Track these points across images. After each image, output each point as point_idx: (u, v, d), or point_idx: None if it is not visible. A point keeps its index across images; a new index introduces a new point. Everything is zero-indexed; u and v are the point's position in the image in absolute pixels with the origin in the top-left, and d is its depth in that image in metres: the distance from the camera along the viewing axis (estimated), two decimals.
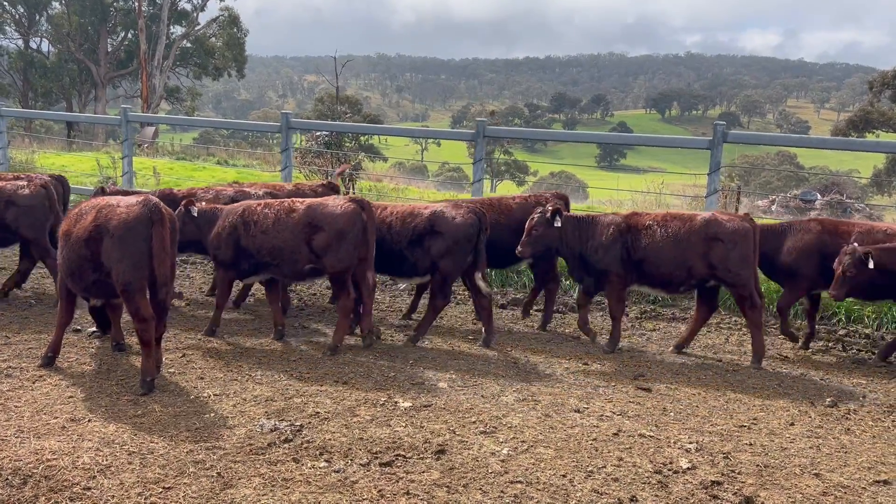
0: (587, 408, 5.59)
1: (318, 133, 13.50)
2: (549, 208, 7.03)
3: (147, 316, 5.52)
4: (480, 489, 4.25)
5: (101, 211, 5.65)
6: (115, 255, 5.50)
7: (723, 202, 11.37)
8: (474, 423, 5.20)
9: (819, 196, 40.79)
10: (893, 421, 5.58)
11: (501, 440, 4.93)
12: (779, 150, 75.19)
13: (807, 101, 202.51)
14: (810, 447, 5.05)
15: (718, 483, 4.42)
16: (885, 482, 4.55)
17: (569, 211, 7.60)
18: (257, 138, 58.37)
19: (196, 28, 50.12)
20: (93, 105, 48.71)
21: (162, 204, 5.68)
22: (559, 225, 6.97)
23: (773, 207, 36.64)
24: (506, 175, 71.70)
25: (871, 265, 6.30)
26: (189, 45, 50.58)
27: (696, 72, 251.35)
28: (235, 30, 51.03)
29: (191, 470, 4.32)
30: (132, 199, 5.71)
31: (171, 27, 48.48)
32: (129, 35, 50.28)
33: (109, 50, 49.72)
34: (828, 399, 5.93)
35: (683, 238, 6.78)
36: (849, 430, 5.38)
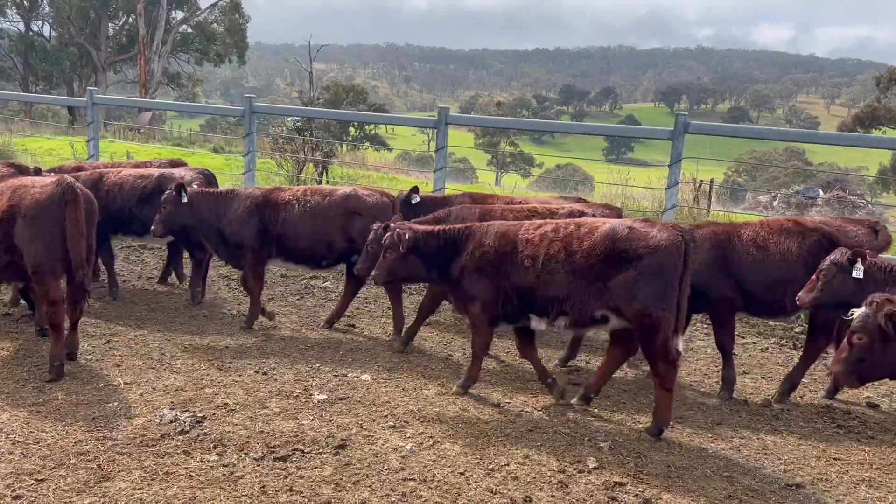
0: (509, 403, 5.42)
1: (289, 118, 13.30)
2: (173, 187, 6.80)
3: (56, 298, 5.38)
4: (370, 486, 4.09)
5: (16, 192, 5.50)
6: (26, 237, 5.35)
7: (694, 195, 11.13)
8: (386, 417, 5.04)
9: (821, 192, 40.41)
10: (826, 422, 5.38)
11: (409, 435, 4.77)
12: (787, 145, 74.52)
13: (817, 97, 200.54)
14: (731, 448, 4.87)
15: (622, 484, 4.25)
16: (798, 486, 4.36)
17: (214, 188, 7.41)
18: (262, 126, 58.19)
19: (197, 13, 49.90)
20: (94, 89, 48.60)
21: (77, 184, 5.52)
22: (186, 201, 6.73)
23: (775, 203, 36.34)
24: (511, 167, 71.38)
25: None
26: (190, 30, 50.37)
27: (706, 65, 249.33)
28: (237, 16, 50.74)
29: (71, 461, 4.18)
30: (46, 180, 5.56)
31: (173, 12, 48.29)
32: (130, 19, 50.07)
33: (110, 34, 49.58)
34: (761, 398, 5.74)
35: (322, 213, 6.65)
36: (776, 430, 5.18)
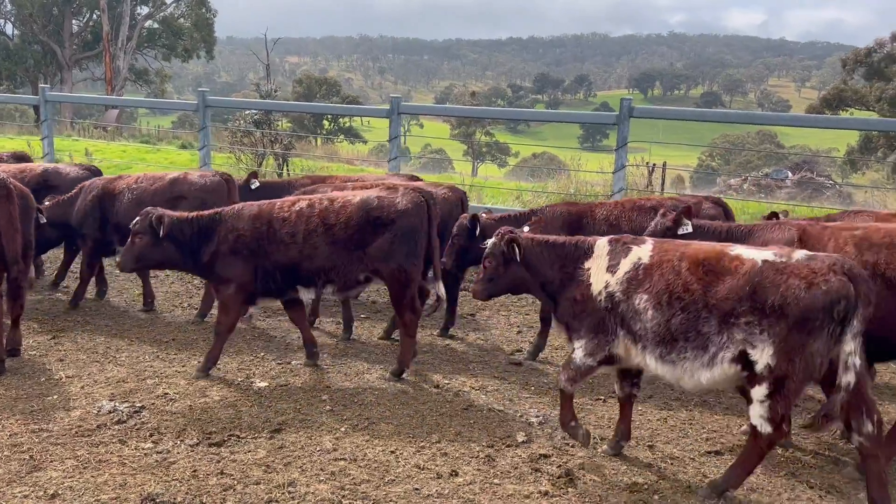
0: (448, 384, 5.54)
1: (247, 111, 13.28)
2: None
3: None
4: (300, 467, 4.19)
5: None
6: None
7: (647, 179, 11.30)
8: (324, 401, 5.14)
9: (790, 174, 40.95)
10: None
11: (345, 418, 4.88)
12: (759, 129, 75.31)
13: (788, 80, 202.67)
14: (658, 419, 5.03)
15: (546, 456, 4.39)
16: (717, 453, 4.53)
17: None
18: (226, 119, 57.70)
19: (162, 8, 49.29)
20: (59, 88, 47.89)
21: (10, 180, 5.54)
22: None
23: (745, 186, 36.83)
24: (487, 157, 71.40)
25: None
26: (156, 25, 49.75)
27: (678, 51, 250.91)
28: (204, 10, 50.22)
29: (4, 453, 4.23)
30: None
31: (138, 7, 47.67)
32: (94, 16, 49.34)
33: (74, 31, 48.83)
34: None
35: (149, 199, 6.69)
36: (704, 402, 5.35)
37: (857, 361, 3.52)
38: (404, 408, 5.06)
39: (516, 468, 4.26)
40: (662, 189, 11.38)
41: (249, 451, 4.37)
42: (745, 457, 3.89)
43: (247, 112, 13.20)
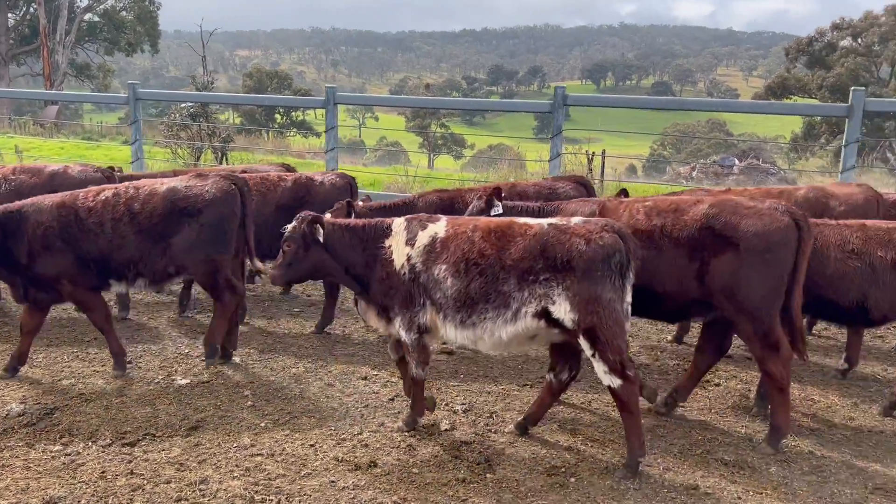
0: (376, 375, 5.49)
1: (182, 104, 12.96)
2: None
3: None
4: (215, 464, 4.10)
5: None
6: None
7: (588, 168, 11.39)
8: (246, 397, 5.04)
9: (737, 161, 41.88)
10: (680, 375, 5.64)
11: (266, 413, 4.79)
12: (709, 117, 76.69)
13: (736, 70, 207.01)
14: (581, 403, 5.07)
15: (468, 443, 4.38)
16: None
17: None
18: (163, 113, 56.31)
19: (103, 1, 47.84)
20: None
21: None
22: None
23: (694, 174, 37.51)
24: (443, 149, 71.28)
25: None
26: (97, 18, 48.29)
27: (630, 42, 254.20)
28: (147, 2, 48.95)
29: None
30: None
31: (77, 0, 46.21)
32: (31, 9, 47.68)
33: (11, 25, 47.10)
34: None
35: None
36: None
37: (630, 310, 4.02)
38: (329, 401, 5.00)
39: (436, 456, 4.24)
40: (602, 177, 11.49)
41: (163, 450, 4.25)
42: (626, 425, 4.07)
43: (182, 105, 12.87)
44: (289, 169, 8.12)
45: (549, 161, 8.85)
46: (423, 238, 4.29)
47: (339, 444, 4.37)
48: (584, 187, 6.48)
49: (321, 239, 4.47)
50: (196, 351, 5.90)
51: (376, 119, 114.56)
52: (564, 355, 4.39)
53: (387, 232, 4.44)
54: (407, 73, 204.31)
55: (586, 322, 3.89)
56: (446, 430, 4.56)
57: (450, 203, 6.28)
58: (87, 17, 47.04)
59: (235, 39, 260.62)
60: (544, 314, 3.97)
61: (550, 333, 4.07)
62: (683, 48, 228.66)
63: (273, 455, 4.22)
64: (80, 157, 17.84)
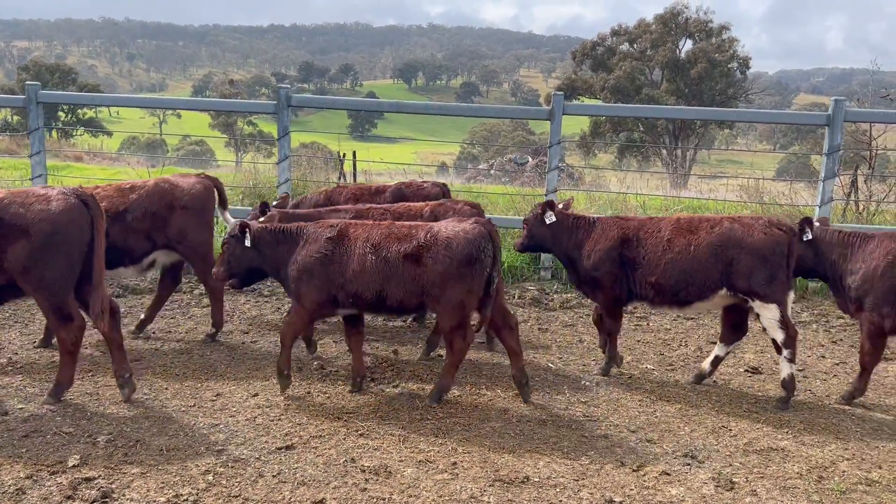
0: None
1: None
2: None
3: None
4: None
5: None
6: None
7: (340, 171, 11.55)
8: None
9: (530, 159, 44.74)
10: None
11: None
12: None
13: (537, 71, 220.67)
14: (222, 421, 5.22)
15: (91, 479, 3.93)
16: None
17: None
18: None
19: None
20: None
21: None
22: None
23: (492, 171, 39.51)
24: (251, 147, 68.91)
25: None
26: None
27: (438, 42, 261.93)
28: None
29: None
30: None
31: None
32: None
33: None
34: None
35: None
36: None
37: None
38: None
39: (46, 499, 3.71)
40: (354, 178, 11.79)
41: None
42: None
43: None
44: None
45: (276, 164, 8.75)
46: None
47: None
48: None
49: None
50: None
51: (178, 117, 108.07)
52: None
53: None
54: (212, 68, 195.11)
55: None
56: (74, 465, 4.04)
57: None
58: None
59: (12, 29, 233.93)
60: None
61: None
62: (489, 49, 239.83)
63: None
64: None
